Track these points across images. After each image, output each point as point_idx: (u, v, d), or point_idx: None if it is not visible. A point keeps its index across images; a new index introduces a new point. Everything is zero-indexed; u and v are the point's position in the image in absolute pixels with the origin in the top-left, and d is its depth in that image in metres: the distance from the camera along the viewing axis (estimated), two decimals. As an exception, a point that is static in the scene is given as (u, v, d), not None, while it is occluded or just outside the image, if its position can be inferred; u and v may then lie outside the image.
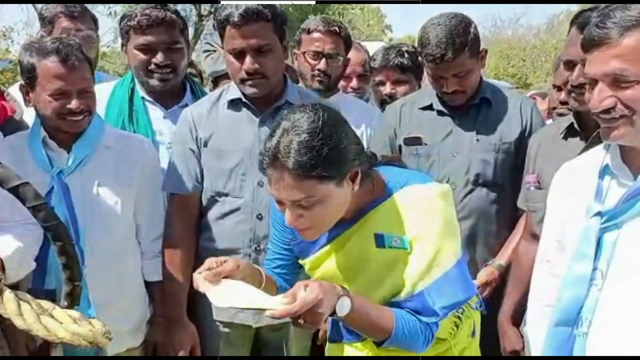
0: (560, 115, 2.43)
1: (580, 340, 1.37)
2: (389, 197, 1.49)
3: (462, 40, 2.14)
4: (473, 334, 1.73)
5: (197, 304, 2.17)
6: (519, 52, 28.77)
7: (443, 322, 1.52)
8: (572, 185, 1.50)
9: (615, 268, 1.34)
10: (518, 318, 2.13)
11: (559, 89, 2.45)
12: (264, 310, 1.28)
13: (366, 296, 1.46)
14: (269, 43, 1.99)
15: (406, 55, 2.81)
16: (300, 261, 1.62)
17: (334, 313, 1.34)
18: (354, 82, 2.94)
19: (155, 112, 2.38)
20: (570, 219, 1.46)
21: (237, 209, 2.09)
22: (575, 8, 23.54)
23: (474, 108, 2.31)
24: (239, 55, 2.00)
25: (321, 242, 1.55)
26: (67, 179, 1.95)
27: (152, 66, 2.31)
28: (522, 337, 2.10)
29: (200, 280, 1.37)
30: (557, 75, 2.48)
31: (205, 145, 2.11)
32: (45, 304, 1.19)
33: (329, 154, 1.32)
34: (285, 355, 2.21)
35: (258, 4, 1.95)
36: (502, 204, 2.27)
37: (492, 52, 29.13)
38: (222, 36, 2.04)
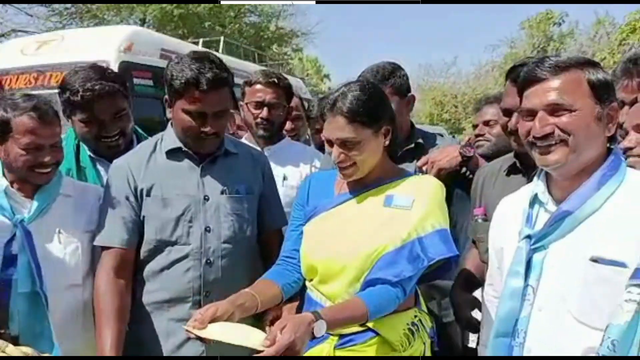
0: (479, 146, 3.02)
1: (518, 350, 1.51)
2: (407, 176, 1.93)
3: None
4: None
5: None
6: (451, 100, 29.93)
7: (395, 326, 1.78)
8: (508, 216, 1.69)
9: (544, 284, 1.50)
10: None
11: (474, 127, 3.24)
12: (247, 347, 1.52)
13: (354, 254, 1.77)
14: (228, 108, 2.06)
15: None
16: (315, 216, 1.92)
17: (314, 337, 1.58)
18: (287, 125, 3.10)
19: (104, 166, 2.38)
20: (507, 245, 1.64)
21: (186, 256, 2.06)
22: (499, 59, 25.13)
23: (409, 152, 2.38)
24: (199, 116, 2.00)
25: (341, 199, 1.91)
26: (29, 226, 1.98)
27: (100, 136, 2.32)
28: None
29: (190, 329, 1.59)
30: (477, 115, 3.23)
31: (148, 194, 2.07)
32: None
33: (372, 107, 1.81)
34: None
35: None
36: None
37: (427, 100, 30.29)
38: (179, 92, 1.97)
